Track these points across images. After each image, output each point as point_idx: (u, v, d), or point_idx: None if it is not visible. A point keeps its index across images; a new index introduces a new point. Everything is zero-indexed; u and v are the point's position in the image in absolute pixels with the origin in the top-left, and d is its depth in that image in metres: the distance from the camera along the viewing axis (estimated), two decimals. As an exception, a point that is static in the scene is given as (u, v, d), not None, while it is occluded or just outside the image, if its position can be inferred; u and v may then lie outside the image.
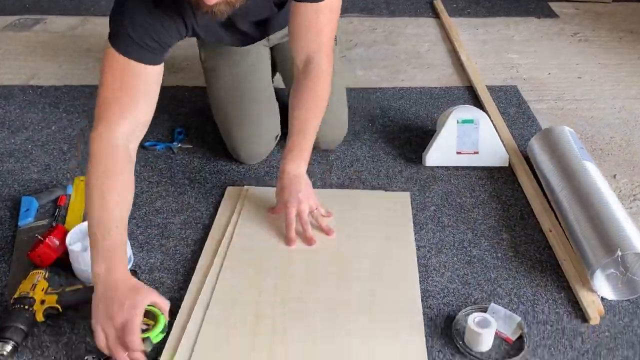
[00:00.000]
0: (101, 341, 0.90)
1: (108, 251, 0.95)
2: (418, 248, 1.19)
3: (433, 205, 1.32)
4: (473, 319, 0.98)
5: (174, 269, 1.15)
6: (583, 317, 1.04)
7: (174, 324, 1.02)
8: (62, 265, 1.14)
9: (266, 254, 1.16)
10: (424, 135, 1.57)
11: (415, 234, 1.23)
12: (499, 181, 1.41)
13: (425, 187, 1.38)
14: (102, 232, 0.97)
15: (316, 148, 1.50)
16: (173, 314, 1.04)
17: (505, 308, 1.04)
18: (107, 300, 0.91)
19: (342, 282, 1.10)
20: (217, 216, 1.28)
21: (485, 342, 0.96)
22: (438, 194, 1.36)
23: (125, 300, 0.90)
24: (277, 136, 1.51)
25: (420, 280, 1.11)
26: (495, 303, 1.05)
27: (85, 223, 1.17)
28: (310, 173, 1.43)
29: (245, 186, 1.38)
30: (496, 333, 0.99)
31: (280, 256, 1.16)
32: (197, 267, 1.14)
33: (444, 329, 1.01)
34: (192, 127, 1.64)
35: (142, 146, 1.55)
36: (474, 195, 1.36)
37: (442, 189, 1.38)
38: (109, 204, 0.99)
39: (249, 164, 1.47)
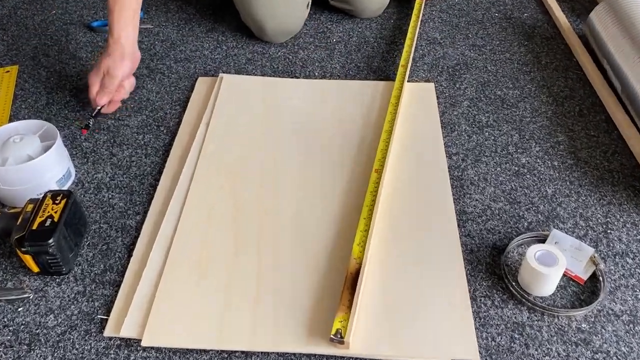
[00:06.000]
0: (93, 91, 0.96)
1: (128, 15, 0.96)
2: (449, 156, 0.91)
3: (466, 100, 1.02)
4: (533, 254, 0.71)
5: (127, 186, 0.87)
6: (674, 245, 0.78)
7: (129, 266, 0.75)
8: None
9: (250, 163, 0.88)
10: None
11: (444, 137, 0.94)
12: (549, 67, 1.10)
13: (455, 76, 1.08)
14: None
15: (356, 17, 1.23)
16: (128, 250, 0.77)
17: (570, 235, 0.78)
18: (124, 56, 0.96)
19: (350, 200, 0.82)
20: (184, 116, 0.98)
21: (550, 284, 0.71)
22: (472, 85, 1.05)
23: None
24: (308, 4, 1.18)
25: (454, 199, 0.84)
26: (556, 228, 0.79)
27: (5, 126, 0.88)
28: (304, 59, 1.12)
29: (221, 74, 1.06)
30: (563, 271, 0.74)
31: (267, 166, 0.87)
32: (159, 184, 0.86)
33: (490, 265, 0.75)
34: (153, 3, 1.30)
35: (88, 27, 1.22)
36: (517, 86, 1.05)
37: (477, 78, 1.07)
38: None
39: (273, 43, 1.17)
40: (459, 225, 0.80)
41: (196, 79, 1.07)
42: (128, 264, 0.75)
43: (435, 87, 1.04)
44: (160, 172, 0.88)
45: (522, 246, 0.78)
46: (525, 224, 0.81)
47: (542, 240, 0.78)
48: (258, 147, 0.91)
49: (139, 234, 0.79)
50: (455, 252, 0.75)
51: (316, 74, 1.08)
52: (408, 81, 1.04)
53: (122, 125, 0.98)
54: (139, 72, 1.09)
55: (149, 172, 0.89)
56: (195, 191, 0.83)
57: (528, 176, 0.88)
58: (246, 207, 0.81)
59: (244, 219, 0.79)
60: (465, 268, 0.74)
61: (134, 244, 0.78)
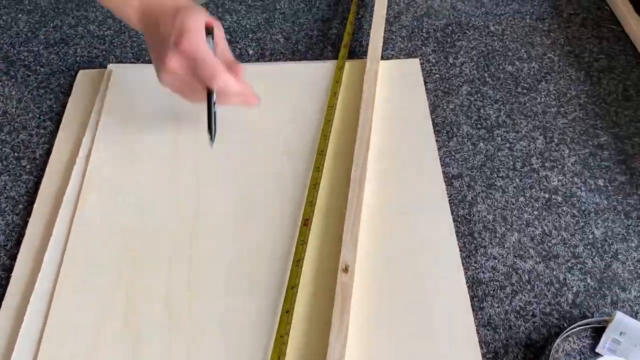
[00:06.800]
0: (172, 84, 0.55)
1: None
2: (449, 181, 0.62)
3: (465, 83, 0.72)
4: (598, 375, 0.45)
5: (-30, 269, 0.57)
6: None
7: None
8: None
9: (157, 232, 0.58)
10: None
11: (438, 148, 0.65)
12: (574, 21, 0.80)
13: (447, 45, 0.76)
14: None
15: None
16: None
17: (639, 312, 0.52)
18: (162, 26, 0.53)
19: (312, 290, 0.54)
20: (57, 138, 0.66)
21: None
22: (471, 58, 0.75)
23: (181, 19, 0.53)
24: None
25: (461, 258, 0.56)
26: (615, 295, 0.53)
27: None
28: (233, 30, 0.79)
29: (109, 65, 0.73)
30: (640, 390, 0.48)
31: (181, 234, 0.58)
32: (11, 278, 0.56)
33: (525, 376, 0.50)
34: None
35: None
36: (534, 56, 0.75)
37: (477, 46, 0.76)
38: None
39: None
40: (472, 307, 0.53)
41: (76, 73, 0.73)
42: None
43: (420, 63, 0.73)
44: (17, 251, 0.58)
45: (571, 338, 0.52)
46: (570, 295, 0.54)
47: (600, 327, 0.52)
48: (168, 192, 0.60)
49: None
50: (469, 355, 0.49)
51: (250, 52, 0.76)
52: (382, 58, 0.72)
53: (-36, 159, 0.66)
54: (-10, 67, 0.75)
55: (0, 247, 0.59)
56: (62, 305, 0.53)
57: (564, 208, 0.60)
58: (150, 324, 0.52)
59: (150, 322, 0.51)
60: (489, 390, 0.48)
61: (-28, 384, 0.50)
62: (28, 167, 0.65)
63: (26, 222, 0.59)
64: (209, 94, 0.54)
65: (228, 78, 0.52)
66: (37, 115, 0.70)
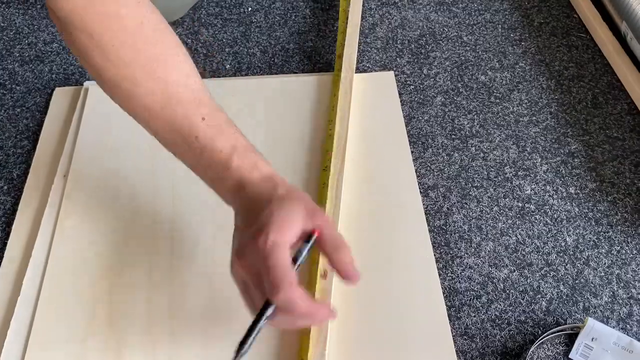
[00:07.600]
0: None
1: (230, 132, 0.48)
2: (424, 192, 0.63)
3: (440, 94, 0.73)
4: (571, 382, 0.47)
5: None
6: None
7: None
8: None
9: (135, 226, 0.58)
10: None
11: (413, 159, 0.66)
12: (544, 30, 0.81)
13: (421, 55, 0.78)
14: (193, 109, 0.47)
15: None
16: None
17: (611, 319, 0.54)
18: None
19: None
20: (34, 158, 0.66)
21: None
22: (445, 68, 0.76)
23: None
24: None
25: (438, 269, 0.57)
26: (587, 302, 0.55)
27: None
28: (209, 44, 0.79)
29: (86, 83, 0.73)
30: (611, 394, 0.50)
31: (158, 230, 0.58)
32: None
33: (501, 384, 0.51)
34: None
35: None
36: (506, 65, 0.77)
37: (451, 57, 0.77)
38: (168, 67, 0.47)
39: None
40: (449, 317, 0.54)
41: (52, 91, 0.73)
42: None
43: (395, 75, 0.75)
44: (-3, 264, 0.58)
45: (546, 345, 0.53)
46: (544, 303, 0.56)
47: (573, 334, 0.53)
48: (146, 211, 0.61)
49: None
50: (450, 375, 0.50)
51: (227, 66, 0.76)
52: (356, 71, 0.73)
53: (-60, 181, 0.65)
54: (-35, 86, 0.75)
55: (-20, 265, 0.58)
56: (43, 328, 0.53)
57: (537, 216, 0.62)
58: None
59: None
60: (467, 399, 0.50)
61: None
62: (5, 187, 0.64)
63: (5, 244, 0.59)
64: (266, 304, 0.40)
65: (295, 296, 0.39)
66: (14, 135, 0.69)
